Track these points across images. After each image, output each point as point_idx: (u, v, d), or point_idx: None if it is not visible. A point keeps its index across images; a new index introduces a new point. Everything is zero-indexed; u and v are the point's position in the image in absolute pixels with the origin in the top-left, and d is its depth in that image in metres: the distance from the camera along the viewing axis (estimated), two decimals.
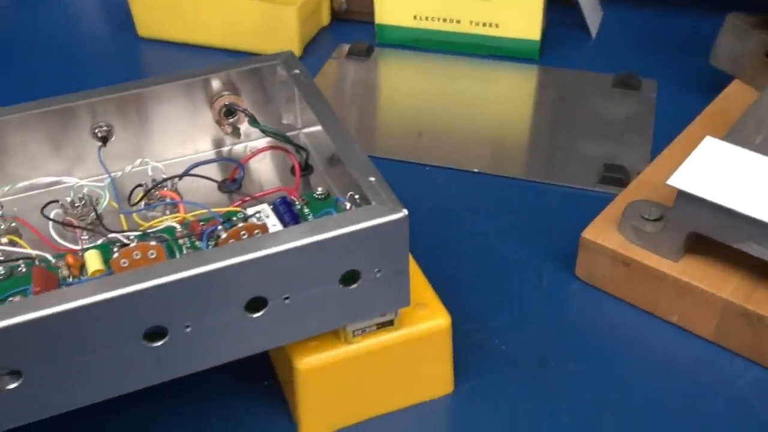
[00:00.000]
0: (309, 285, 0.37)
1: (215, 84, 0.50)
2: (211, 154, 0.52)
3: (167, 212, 0.46)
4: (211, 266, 0.35)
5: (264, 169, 0.50)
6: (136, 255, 0.37)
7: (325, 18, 0.82)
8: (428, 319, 0.43)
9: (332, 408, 0.44)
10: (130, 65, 0.79)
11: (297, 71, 0.48)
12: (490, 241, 0.56)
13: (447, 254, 0.55)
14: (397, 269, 0.39)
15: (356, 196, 0.40)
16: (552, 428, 0.44)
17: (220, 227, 0.39)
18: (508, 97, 0.73)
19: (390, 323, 0.42)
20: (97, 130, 0.48)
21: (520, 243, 0.56)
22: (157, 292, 0.34)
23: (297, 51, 0.76)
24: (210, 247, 0.39)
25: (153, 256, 0.38)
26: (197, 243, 0.42)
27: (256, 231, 0.38)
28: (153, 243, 0.38)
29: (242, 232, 0.38)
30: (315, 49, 0.79)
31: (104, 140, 0.48)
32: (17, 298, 0.37)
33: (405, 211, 0.37)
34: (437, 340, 0.44)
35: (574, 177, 0.62)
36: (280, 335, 0.38)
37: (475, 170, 0.63)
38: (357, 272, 0.38)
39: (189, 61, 0.77)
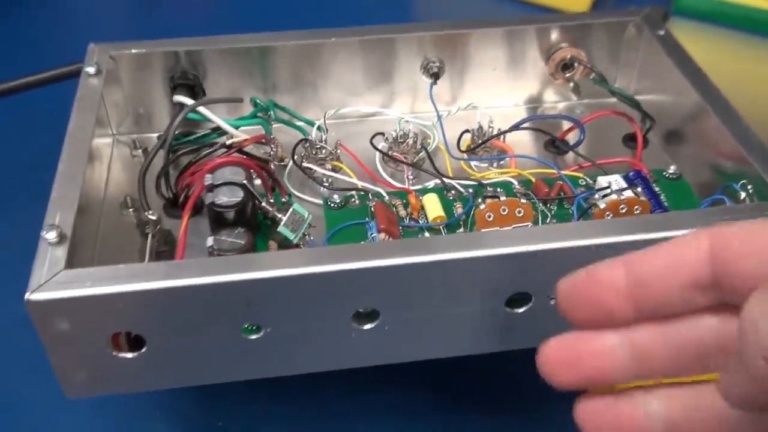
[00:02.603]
0: None
1: (554, 35, 0.46)
2: (524, 109, 0.48)
3: (494, 164, 0.43)
4: (602, 240, 0.31)
5: (589, 134, 0.46)
6: (503, 210, 0.34)
7: None
8: None
9: None
10: (400, 3, 0.76)
11: (662, 32, 0.43)
12: None
13: None
14: None
15: (749, 186, 0.35)
16: None
17: (596, 196, 0.35)
18: None
19: None
20: (430, 66, 0.45)
21: None
22: (532, 259, 0.31)
23: (585, 9, 0.70)
24: (577, 215, 0.35)
25: (521, 215, 0.34)
26: (539, 205, 0.38)
27: (636, 208, 0.34)
28: (523, 201, 0.34)
29: (621, 207, 0.34)
30: (600, 9, 0.73)
31: (436, 77, 0.45)
32: (379, 235, 0.35)
33: None
34: None
35: None
36: None
37: None
38: None
39: (466, 6, 0.74)
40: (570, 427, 0.41)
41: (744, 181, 0.35)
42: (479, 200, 0.35)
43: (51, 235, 0.31)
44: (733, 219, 0.31)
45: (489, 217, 0.34)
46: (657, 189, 0.39)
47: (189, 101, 0.41)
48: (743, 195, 0.34)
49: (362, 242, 0.35)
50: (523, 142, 0.45)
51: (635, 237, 0.31)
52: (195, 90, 0.43)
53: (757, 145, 0.35)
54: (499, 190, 0.35)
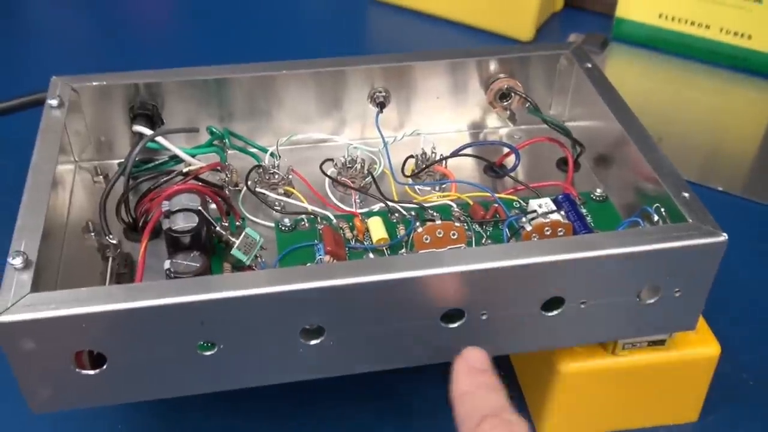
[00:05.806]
0: (609, 294, 0.36)
1: (492, 66, 0.49)
2: (467, 135, 0.51)
3: (436, 188, 0.46)
4: (524, 261, 0.34)
5: (526, 159, 0.49)
6: (439, 233, 0.37)
7: (559, 3, 0.79)
8: (699, 345, 0.41)
9: (580, 415, 0.43)
10: (357, 27, 0.80)
11: (589, 65, 0.47)
12: (736, 267, 0.53)
13: None
14: (697, 292, 0.37)
15: (662, 209, 0.38)
16: None
17: (524, 219, 0.38)
18: (752, 115, 0.69)
19: (662, 342, 0.41)
20: (376, 95, 0.48)
21: None
22: (463, 278, 0.34)
23: (530, 34, 0.74)
24: (508, 236, 0.38)
25: (455, 237, 0.37)
26: (475, 227, 0.41)
27: (560, 229, 0.37)
28: (457, 224, 0.37)
29: (546, 229, 0.37)
30: (545, 34, 0.77)
31: (381, 106, 0.48)
32: (325, 257, 0.37)
33: (725, 236, 0.35)
34: (702, 367, 0.42)
35: None
36: (569, 337, 0.37)
37: (719, 188, 0.60)
38: (658, 288, 0.36)
39: (415, 30, 0.77)
40: None
41: (657, 204, 0.38)
42: (417, 223, 0.38)
43: (17, 261, 0.33)
44: (643, 240, 0.35)
45: (426, 239, 0.37)
46: (584, 211, 0.43)
47: (147, 131, 0.43)
48: (656, 218, 0.38)
49: (308, 264, 0.38)
50: (464, 166, 0.48)
51: (554, 258, 0.34)
52: (153, 119, 0.46)
53: (669, 172, 0.39)
54: (435, 213, 0.38)
